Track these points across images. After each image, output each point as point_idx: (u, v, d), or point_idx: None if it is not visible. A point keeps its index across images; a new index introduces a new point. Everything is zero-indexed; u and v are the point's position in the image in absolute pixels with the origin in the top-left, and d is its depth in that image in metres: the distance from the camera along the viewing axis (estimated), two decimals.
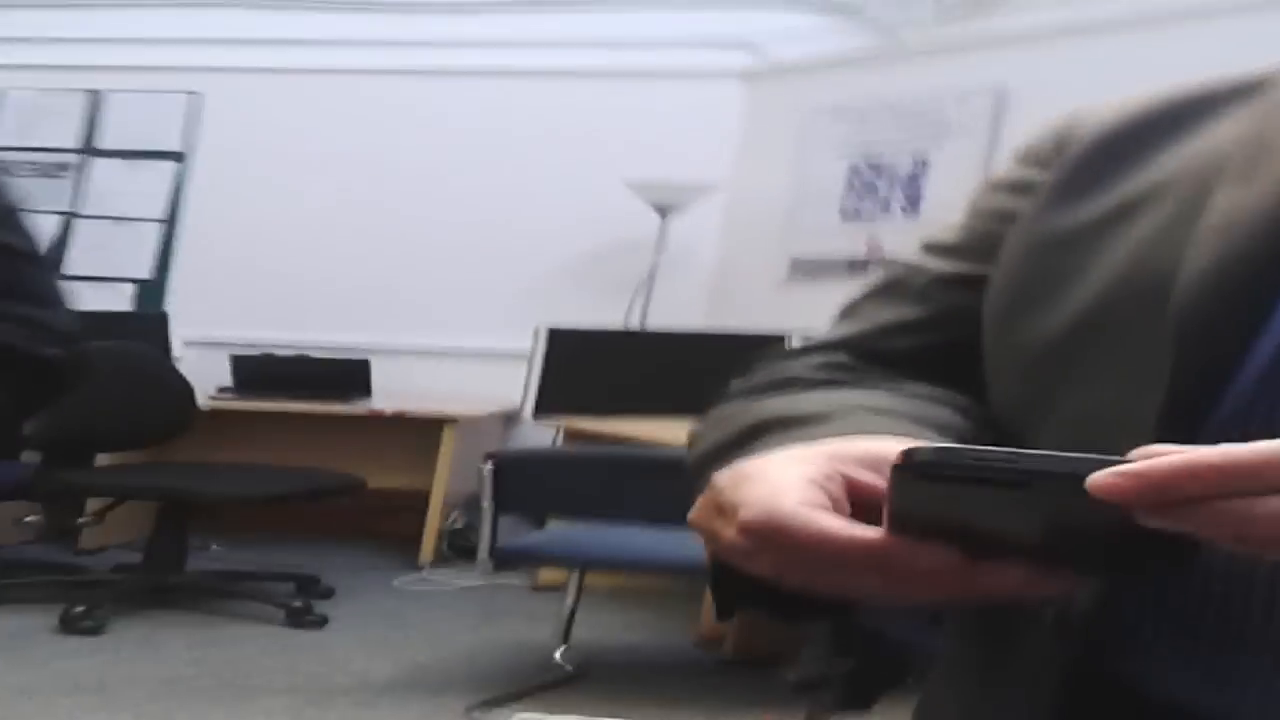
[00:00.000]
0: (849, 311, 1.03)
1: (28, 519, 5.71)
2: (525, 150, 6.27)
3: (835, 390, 0.93)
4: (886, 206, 5.70)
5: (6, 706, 3.71)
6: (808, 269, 5.83)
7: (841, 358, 0.99)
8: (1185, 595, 0.77)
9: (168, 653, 4.27)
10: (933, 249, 1.00)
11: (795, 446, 0.78)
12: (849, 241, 5.74)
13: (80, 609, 4.47)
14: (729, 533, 0.74)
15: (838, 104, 5.87)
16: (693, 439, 1.00)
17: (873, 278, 1.04)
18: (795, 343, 1.03)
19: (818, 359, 0.99)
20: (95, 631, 4.42)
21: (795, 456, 0.76)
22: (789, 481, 0.73)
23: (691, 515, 0.80)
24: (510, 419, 5.86)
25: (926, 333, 0.97)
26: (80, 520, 5.56)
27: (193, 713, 3.70)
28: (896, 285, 1.01)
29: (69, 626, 4.42)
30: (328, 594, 4.95)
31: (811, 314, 5.05)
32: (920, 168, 5.63)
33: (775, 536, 0.71)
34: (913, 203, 5.61)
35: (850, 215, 5.80)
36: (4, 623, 4.52)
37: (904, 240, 5.37)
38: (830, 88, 5.92)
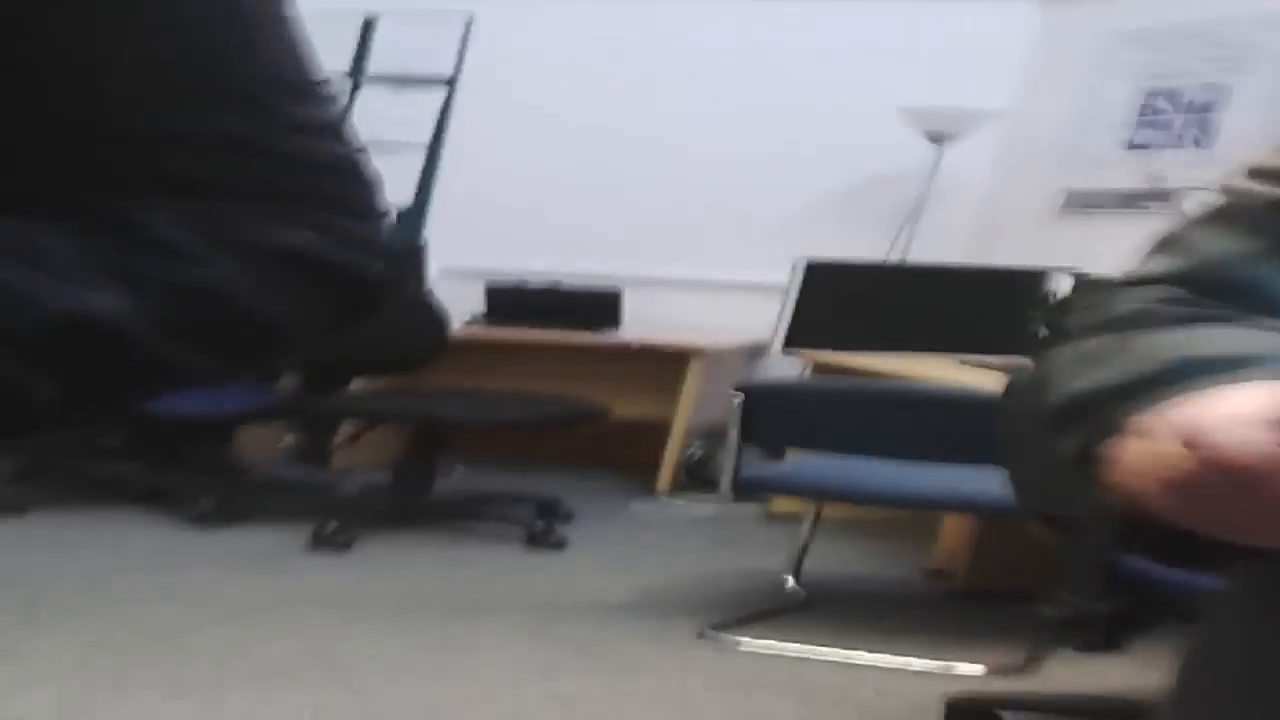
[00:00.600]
0: (1170, 243, 0.95)
1: (285, 440, 5.94)
2: (791, 75, 6.14)
3: (1221, 327, 0.88)
4: (1178, 138, 5.48)
5: (260, 616, 3.90)
6: (1083, 201, 5.65)
7: (1180, 293, 0.92)
8: None
9: (412, 570, 4.43)
10: (1262, 174, 0.94)
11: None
12: (1130, 173, 5.55)
13: (331, 526, 4.65)
14: (1197, 466, 0.72)
15: (1135, 28, 5.64)
16: (1046, 377, 0.94)
17: (1193, 207, 0.97)
18: (1061, 282, 0.99)
19: (1156, 293, 0.93)
20: (344, 548, 4.60)
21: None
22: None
23: (1126, 455, 0.78)
24: (756, 352, 5.87)
25: (1267, 262, 0.91)
26: (334, 442, 5.78)
27: (435, 627, 3.83)
28: (1228, 213, 0.94)
29: (320, 543, 4.61)
30: (567, 518, 5.07)
31: (1083, 250, 4.93)
32: (1217, 98, 5.40)
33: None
34: (1206, 135, 5.41)
35: (1136, 146, 5.60)
36: (259, 538, 4.73)
37: (1192, 174, 5.18)
38: (1128, 11, 5.68)
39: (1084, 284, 0.95)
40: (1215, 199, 0.95)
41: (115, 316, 0.63)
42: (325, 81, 0.74)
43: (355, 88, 6.68)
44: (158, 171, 0.66)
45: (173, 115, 0.66)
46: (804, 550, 4.28)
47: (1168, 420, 0.75)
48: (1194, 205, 0.98)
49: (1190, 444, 0.73)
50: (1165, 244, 0.95)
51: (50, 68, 0.65)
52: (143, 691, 3.29)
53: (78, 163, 0.66)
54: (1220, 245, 0.92)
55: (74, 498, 5.16)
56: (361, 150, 0.74)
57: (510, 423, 5.14)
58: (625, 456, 5.89)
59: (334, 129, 0.73)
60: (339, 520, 4.69)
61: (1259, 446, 0.70)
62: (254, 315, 0.68)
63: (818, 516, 4.31)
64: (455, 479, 5.51)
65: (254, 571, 4.35)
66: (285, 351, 0.72)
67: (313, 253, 0.69)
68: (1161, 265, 0.94)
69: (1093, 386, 0.87)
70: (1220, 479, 0.71)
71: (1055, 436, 0.86)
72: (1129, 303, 0.92)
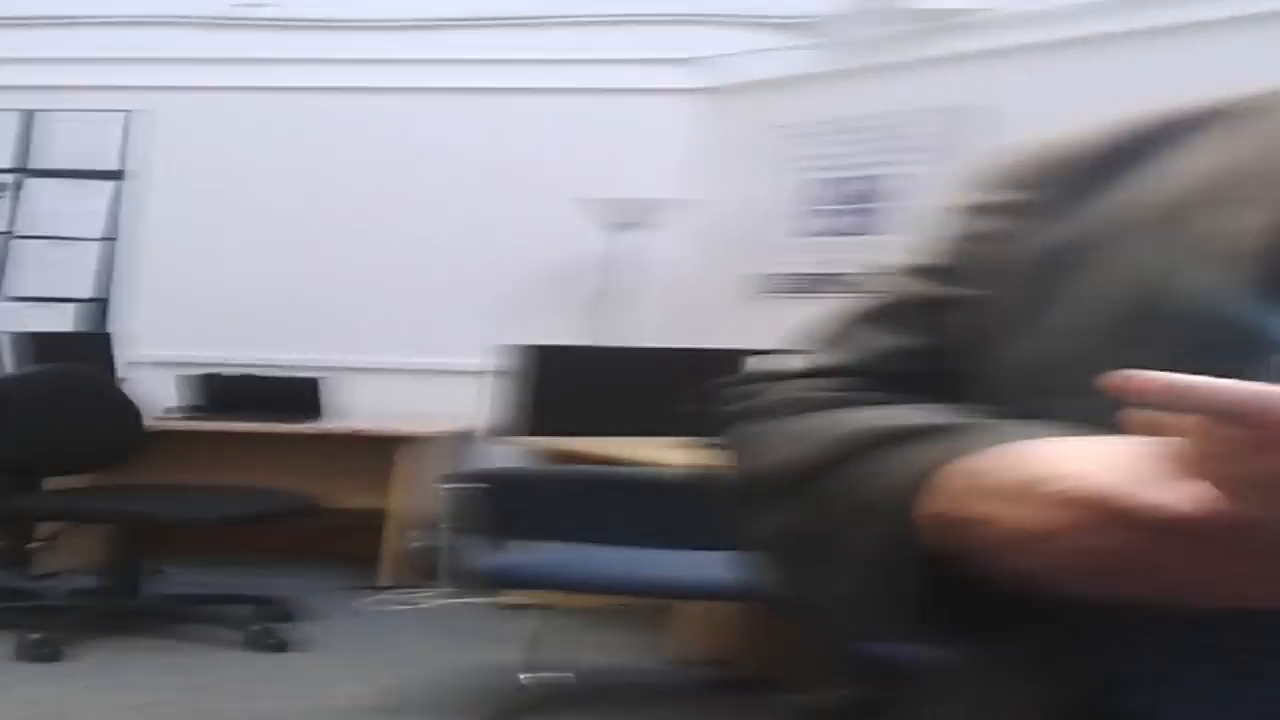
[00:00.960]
0: (838, 339, 1.01)
1: None
2: (475, 167, 6.23)
3: (899, 408, 0.89)
4: (843, 226, 5.70)
5: None
6: (766, 286, 5.80)
7: (850, 382, 0.96)
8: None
9: (127, 679, 4.21)
10: (920, 272, 0.99)
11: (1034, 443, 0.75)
12: (804, 259, 5.73)
13: (37, 636, 4.40)
14: (1040, 512, 0.71)
15: (790, 121, 5.88)
16: (731, 459, 0.97)
17: (854, 304, 1.02)
18: (752, 362, 1.01)
19: (826, 383, 0.97)
20: (52, 659, 4.35)
21: (1087, 445, 0.72)
22: (1121, 456, 0.69)
23: (923, 508, 0.77)
24: (466, 438, 5.83)
25: (927, 358, 0.95)
26: (31, 544, 5.49)
27: None
28: (889, 311, 1.00)
29: (26, 653, 4.35)
30: (286, 616, 4.90)
31: (772, 332, 5.04)
32: (875, 187, 5.64)
33: (1130, 509, 0.67)
34: (868, 221, 5.62)
35: (807, 233, 5.80)
36: None
37: (859, 257, 5.39)
38: (782, 105, 5.92)
39: (754, 372, 0.96)
40: (877, 297, 1.01)
41: None
42: None
43: (21, 181, 6.58)
44: None
45: None
46: (537, 643, 4.23)
47: (969, 469, 0.75)
48: (856, 301, 1.02)
49: (1014, 489, 0.72)
50: (833, 339, 1.01)
51: None
52: None
53: None
54: (882, 341, 0.97)
55: None
56: None
57: (213, 519, 4.94)
58: (342, 549, 5.75)
59: None
60: (45, 629, 4.44)
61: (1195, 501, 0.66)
62: None
63: (551, 607, 4.27)
64: (164, 579, 5.28)
65: None
66: None
67: None
68: (832, 359, 0.98)
69: (785, 465, 0.89)
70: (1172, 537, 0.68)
71: (755, 512, 0.89)
72: (798, 392, 0.96)
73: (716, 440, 1.00)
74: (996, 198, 0.97)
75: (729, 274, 5.91)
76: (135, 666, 4.34)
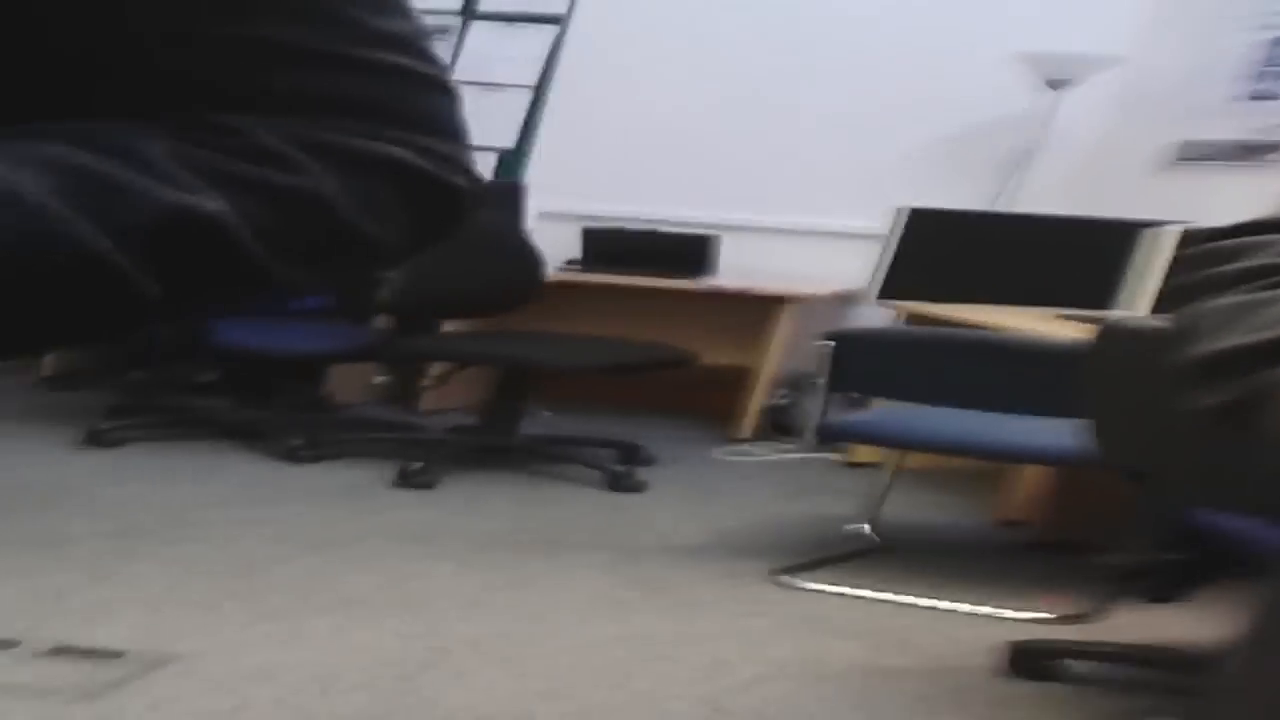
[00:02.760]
0: None
1: (376, 380, 6.06)
2: (904, 19, 6.07)
3: None
4: None
5: (343, 550, 4.01)
6: (1197, 152, 5.53)
7: None
8: None
9: (493, 509, 4.53)
10: None
11: None
12: (1246, 125, 5.44)
13: (417, 465, 4.76)
14: None
15: None
16: (1193, 329, 0.89)
17: None
18: (1169, 237, 0.93)
19: None
20: (428, 486, 4.70)
21: None
22: None
23: None
24: (848, 300, 5.87)
25: None
26: (422, 383, 5.88)
27: (511, 565, 3.93)
28: None
29: (404, 481, 4.71)
30: (649, 461, 5.14)
31: (1194, 204, 4.87)
32: None
33: None
34: None
35: (1255, 96, 5.47)
36: (346, 475, 4.85)
37: None
38: None
39: (1233, 228, 0.91)
40: None
41: (218, 217, 0.63)
42: None
43: (466, 25, 6.60)
44: (246, 81, 0.66)
45: (251, 24, 0.66)
46: (881, 498, 4.33)
47: None
48: None
49: None
50: None
51: None
52: (229, 616, 3.41)
53: (166, 70, 0.66)
54: None
55: (169, 433, 5.31)
56: (445, 67, 0.73)
57: (597, 367, 5.21)
58: (710, 403, 5.94)
59: (417, 44, 0.72)
60: (424, 460, 4.80)
61: None
62: (349, 224, 0.67)
63: (897, 466, 4.35)
64: (542, 422, 5.60)
65: (339, 507, 4.47)
66: (375, 263, 0.72)
67: (403, 164, 0.69)
68: None
69: (1253, 341, 0.83)
70: None
71: (1198, 389, 0.84)
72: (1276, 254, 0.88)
73: (1177, 313, 0.92)
74: None
75: (1162, 139, 5.63)
76: (503, 499, 4.65)
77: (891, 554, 4.16)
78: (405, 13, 0.71)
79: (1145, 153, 5.66)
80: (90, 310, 0.63)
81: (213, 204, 0.63)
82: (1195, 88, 5.63)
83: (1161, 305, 4.31)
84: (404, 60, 0.70)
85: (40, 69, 0.67)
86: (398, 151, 0.69)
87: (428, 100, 0.72)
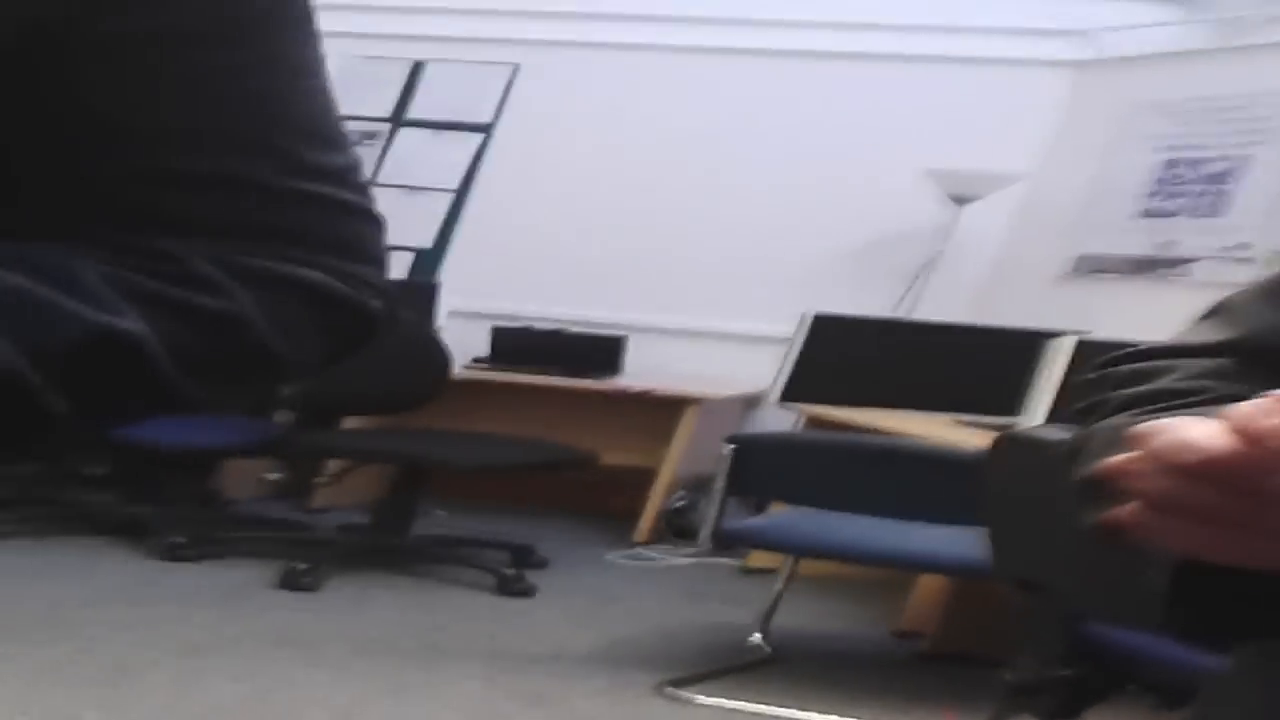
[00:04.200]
0: (1222, 311, 0.94)
1: (269, 475, 5.92)
2: (815, 132, 6.15)
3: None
4: (1193, 207, 5.44)
5: (219, 653, 3.87)
6: (1094, 266, 5.61)
7: (1226, 364, 0.90)
8: None
9: (377, 613, 4.40)
10: None
11: None
12: (1142, 240, 5.52)
13: (302, 565, 4.62)
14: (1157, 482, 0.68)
15: (1160, 99, 5.64)
16: (1085, 448, 0.90)
17: (1255, 278, 0.96)
18: (1066, 345, 0.95)
19: (1200, 365, 0.91)
20: (312, 589, 4.57)
21: None
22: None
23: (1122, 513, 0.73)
24: (753, 403, 5.85)
25: None
26: (317, 480, 5.76)
27: (391, 672, 3.81)
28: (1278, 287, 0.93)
29: (288, 582, 4.58)
30: (541, 564, 5.03)
31: (1090, 314, 4.92)
32: (1234, 168, 5.37)
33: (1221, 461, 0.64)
34: (1221, 204, 5.37)
35: (1150, 214, 5.56)
36: (229, 575, 4.71)
37: (1204, 241, 5.21)
38: (1154, 82, 5.69)
39: (1137, 353, 0.91)
40: (1266, 272, 0.95)
41: (139, 338, 0.66)
42: (344, 129, 0.78)
43: (394, 131, 6.72)
44: (175, 208, 0.70)
45: (189, 157, 0.70)
46: (774, 606, 4.24)
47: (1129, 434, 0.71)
48: (1256, 278, 0.96)
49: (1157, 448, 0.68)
50: (1215, 312, 0.95)
51: (80, 111, 0.70)
52: None
53: (104, 196, 0.70)
54: (1272, 317, 0.91)
55: (49, 527, 5.15)
56: (371, 197, 0.78)
57: (495, 467, 5.13)
58: (610, 504, 5.86)
59: (349, 175, 0.76)
60: (310, 560, 4.67)
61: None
62: (264, 343, 0.70)
63: (793, 572, 4.27)
64: (434, 521, 5.48)
65: (217, 609, 4.33)
66: (284, 380, 0.75)
67: (322, 287, 0.72)
68: (1211, 333, 0.93)
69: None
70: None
71: (1083, 507, 0.84)
72: (1179, 378, 0.90)
73: (1075, 425, 0.95)
74: None
75: (1061, 252, 5.71)
76: (389, 602, 4.53)
77: (785, 665, 4.07)
78: (340, 146, 0.76)
79: (1045, 265, 5.73)
80: None
81: (133, 325, 0.66)
82: (1094, 204, 5.72)
83: (1059, 414, 4.33)
84: (333, 191, 0.75)
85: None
86: (319, 276, 0.72)
87: (352, 227, 0.76)
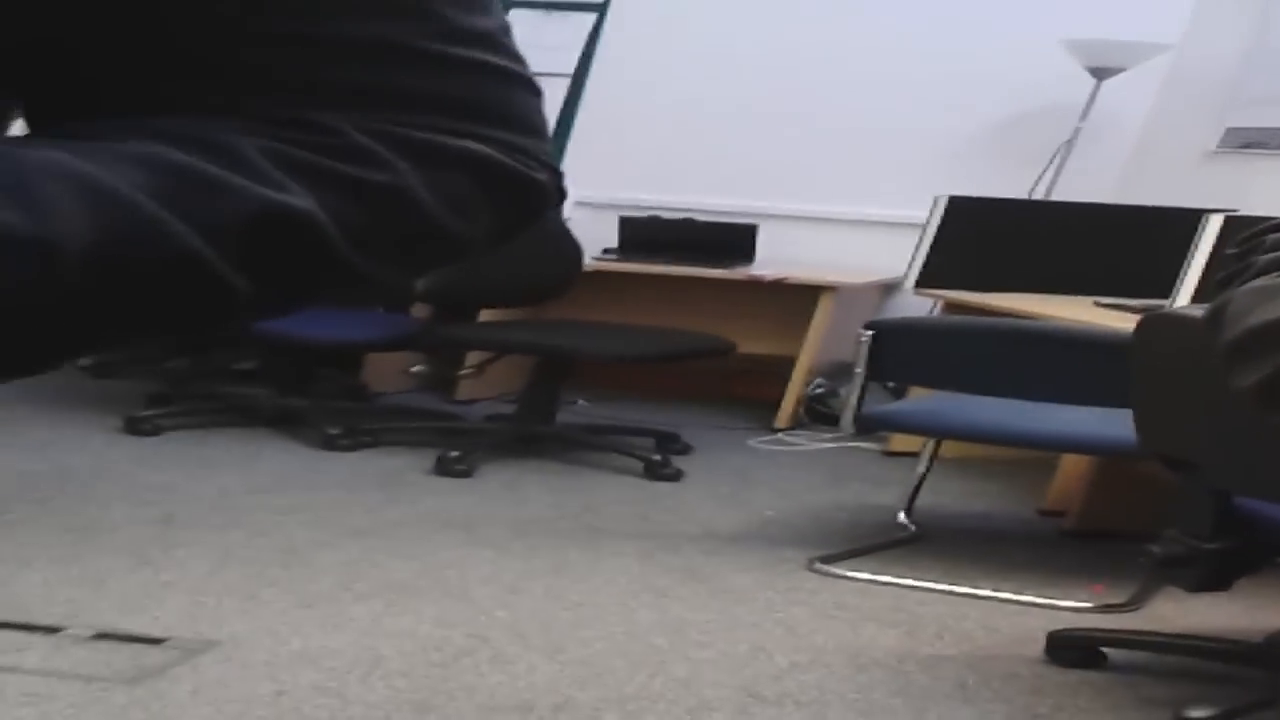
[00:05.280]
0: None
1: (413, 369, 6.07)
2: (946, 3, 6.05)
3: None
4: None
5: (384, 536, 4.02)
6: (1243, 140, 5.45)
7: None
8: None
9: (530, 497, 4.53)
10: None
11: None
12: None
13: (454, 453, 4.77)
14: None
15: None
16: (1224, 313, 0.91)
17: None
18: (1214, 224, 0.96)
19: None
20: (465, 475, 4.71)
21: None
22: None
23: None
24: (889, 290, 5.86)
25: None
26: (460, 372, 5.89)
27: (550, 552, 3.94)
28: None
29: (442, 469, 4.73)
30: (685, 450, 5.14)
31: (1238, 192, 4.81)
32: None
33: None
34: None
35: None
36: (384, 462, 4.87)
37: None
38: None
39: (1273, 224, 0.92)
40: None
41: (309, 214, 0.64)
42: None
43: (505, 11, 6.63)
44: (328, 79, 0.67)
45: (338, 22, 0.67)
46: (918, 487, 4.32)
47: None
48: None
49: None
50: None
51: None
52: (270, 602, 3.42)
53: (257, 68, 0.67)
54: None
55: (207, 420, 5.33)
56: (523, 63, 0.74)
57: (635, 356, 5.21)
58: (748, 392, 5.93)
59: (502, 41, 0.72)
60: (462, 448, 4.81)
61: None
62: (434, 219, 0.68)
63: (935, 455, 4.34)
64: (577, 411, 5.61)
65: (378, 495, 4.48)
66: (458, 257, 0.72)
67: (487, 160, 0.70)
68: None
69: (1275, 318, 0.85)
70: None
71: (1231, 371, 0.85)
72: None
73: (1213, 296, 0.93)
74: None
75: (1207, 127, 5.56)
76: (540, 487, 4.66)
77: (929, 543, 4.16)
78: (490, 9, 0.72)
79: (1191, 141, 5.61)
80: (181, 307, 0.64)
81: (304, 201, 0.64)
82: (1245, 76, 5.57)
83: (1206, 295, 4.30)
84: (489, 57, 0.71)
85: (141, 62, 0.68)
86: (483, 148, 0.69)
87: (512, 96, 0.72)
